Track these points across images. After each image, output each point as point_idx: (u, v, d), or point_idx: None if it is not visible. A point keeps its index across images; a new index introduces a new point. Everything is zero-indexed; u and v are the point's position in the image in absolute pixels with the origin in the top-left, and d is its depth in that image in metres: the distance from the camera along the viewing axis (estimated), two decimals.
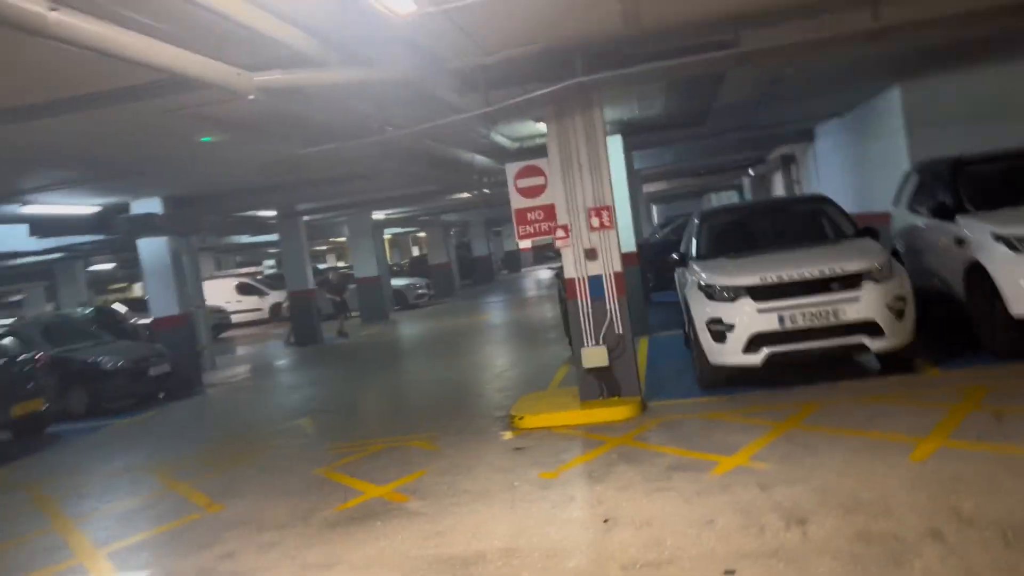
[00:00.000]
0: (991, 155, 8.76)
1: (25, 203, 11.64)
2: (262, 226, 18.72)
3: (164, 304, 13.81)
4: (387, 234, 30.33)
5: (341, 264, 30.15)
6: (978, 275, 7.46)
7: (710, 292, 7.60)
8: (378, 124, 8.12)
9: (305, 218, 19.24)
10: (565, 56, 6.83)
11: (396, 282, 26.82)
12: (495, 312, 21.83)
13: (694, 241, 8.99)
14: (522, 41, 6.46)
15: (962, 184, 8.39)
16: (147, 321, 16.72)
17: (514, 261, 44.59)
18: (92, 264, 26.81)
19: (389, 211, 24.40)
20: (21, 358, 10.64)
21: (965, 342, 7.89)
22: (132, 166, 10.15)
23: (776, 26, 6.87)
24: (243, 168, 11.22)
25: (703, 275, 7.85)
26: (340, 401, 11.19)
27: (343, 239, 29.84)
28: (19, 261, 19.58)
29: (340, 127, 8.19)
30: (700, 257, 8.58)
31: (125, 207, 13.31)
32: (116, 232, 13.01)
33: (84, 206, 12.77)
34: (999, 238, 7.25)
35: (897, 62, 10.50)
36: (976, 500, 4.31)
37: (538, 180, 7.93)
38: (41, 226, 12.62)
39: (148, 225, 12.79)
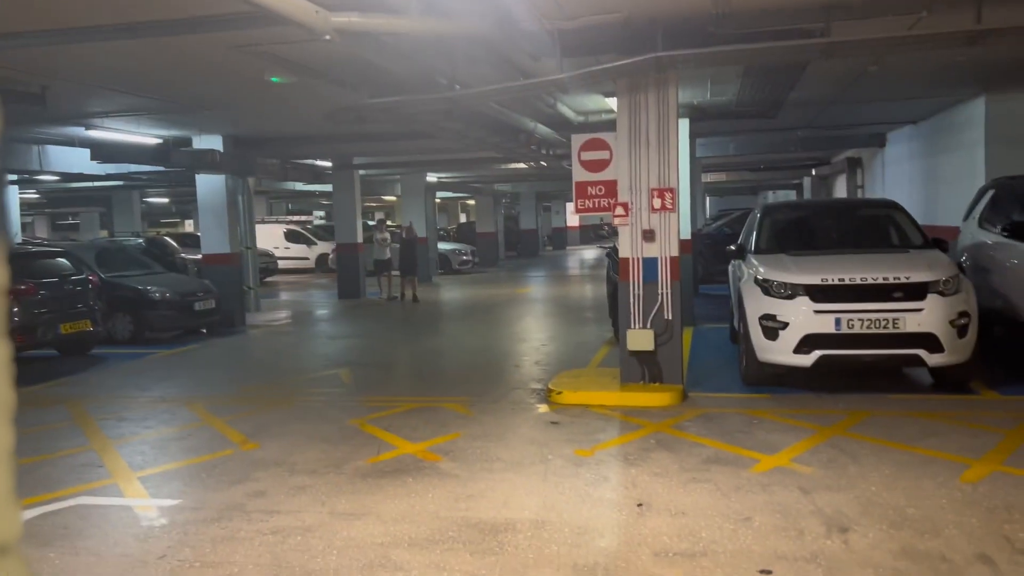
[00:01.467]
0: None
1: (90, 127, 11.78)
2: (317, 175, 18.76)
3: (215, 241, 13.96)
4: (437, 197, 30.28)
5: (389, 222, 30.21)
6: None
7: (767, 287, 7.40)
8: (447, 80, 8.01)
9: (360, 172, 19.26)
10: (646, 28, 6.64)
11: (442, 246, 26.83)
12: (538, 286, 21.73)
13: (754, 234, 8.76)
14: (605, 9, 6.28)
15: None
16: (196, 257, 16.93)
17: (560, 238, 44.33)
18: (148, 196, 27.26)
19: (442, 174, 24.34)
20: (73, 279, 10.84)
21: None
22: (197, 100, 10.19)
23: (870, 19, 6.60)
24: (307, 114, 11.20)
25: (761, 269, 7.65)
26: (378, 356, 11.21)
27: (392, 198, 29.91)
28: (79, 184, 19.99)
29: (408, 80, 8.08)
30: (759, 251, 8.36)
31: (187, 142, 13.42)
32: (176, 165, 13.13)
33: (147, 136, 12.90)
34: None
35: (987, 71, 10.06)
36: None
37: (603, 154, 7.76)
38: (103, 151, 12.76)
39: (207, 161, 12.87)
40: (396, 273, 18.18)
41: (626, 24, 6.51)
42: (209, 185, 13.78)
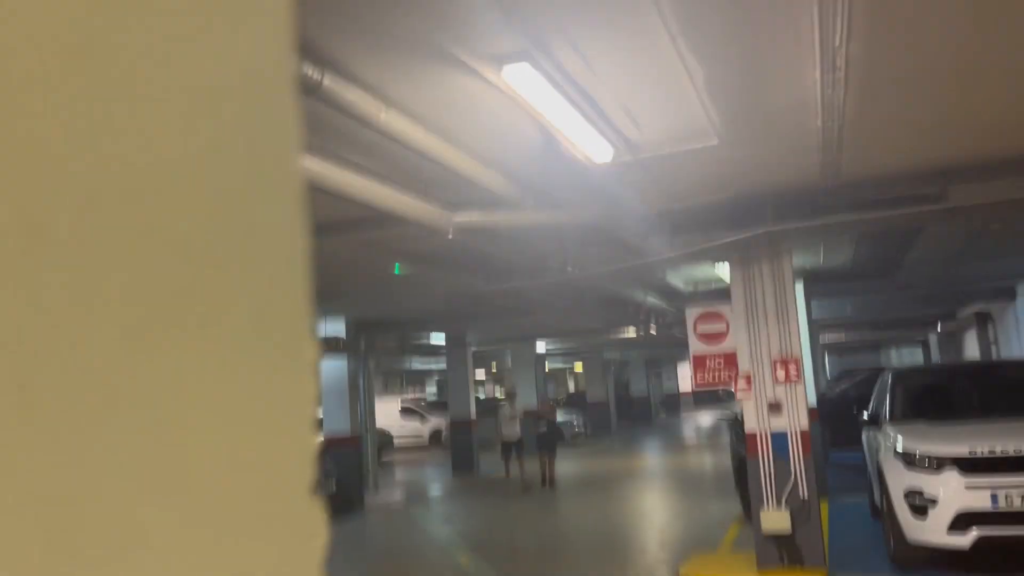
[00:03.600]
0: None
1: None
2: (430, 352, 19.30)
3: (337, 423, 14.33)
4: (547, 367, 30.46)
5: (499, 395, 30.37)
6: None
7: (909, 459, 6.94)
8: (558, 263, 8.27)
9: (472, 348, 19.71)
10: (754, 204, 6.74)
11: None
12: (655, 457, 21.05)
13: (887, 401, 8.34)
14: (712, 190, 6.44)
15: None
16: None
17: (673, 404, 43.31)
18: None
19: (551, 345, 24.59)
20: None
21: None
22: (326, 291, 10.84)
23: (985, 182, 6.50)
24: (425, 297, 11.71)
25: (900, 439, 7.20)
26: (498, 539, 10.95)
27: (494, 368, 30.20)
28: None
29: (521, 264, 8.41)
30: (895, 419, 7.92)
31: None
32: None
33: None
34: None
35: None
36: None
37: (719, 326, 7.71)
38: None
39: (332, 347, 13.50)
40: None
41: (734, 201, 6.64)
42: (331, 368, 14.36)
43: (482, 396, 29.07)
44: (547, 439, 15.30)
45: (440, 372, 24.06)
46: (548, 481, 15.07)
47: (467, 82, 3.82)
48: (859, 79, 4.12)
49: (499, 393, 32.70)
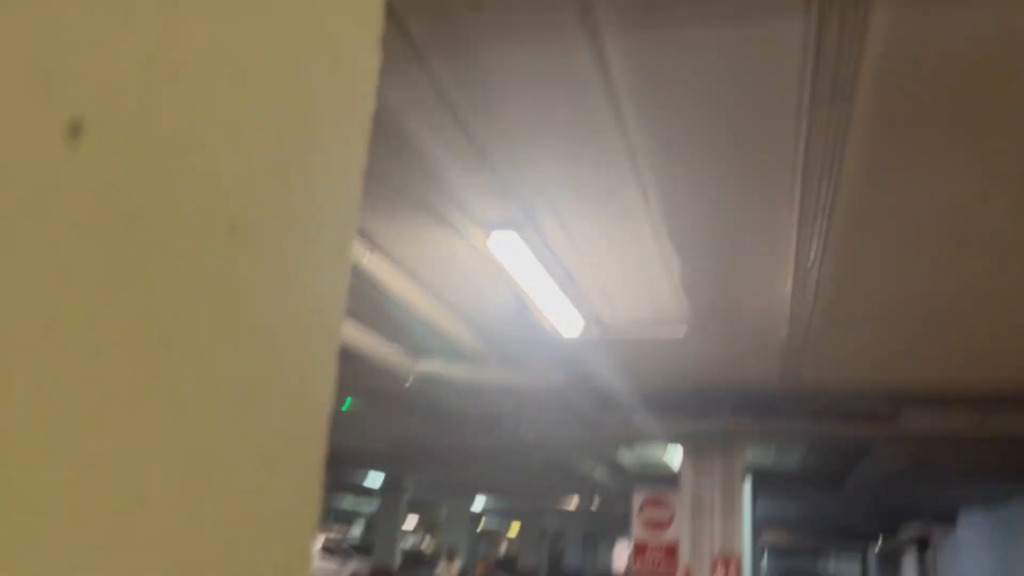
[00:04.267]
0: None
1: None
2: (363, 492, 18.62)
3: None
4: (480, 526, 29.45)
5: (421, 543, 29.03)
6: None
7: None
8: (512, 423, 8.16)
9: (406, 496, 19.08)
10: (714, 397, 6.79)
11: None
12: None
13: None
14: (674, 378, 6.49)
15: None
16: None
17: None
18: None
19: (488, 501, 23.89)
20: None
21: None
22: None
23: (937, 411, 6.62)
24: (370, 437, 11.40)
25: None
26: None
27: (424, 520, 29.10)
28: None
29: (474, 417, 8.28)
30: None
31: None
32: None
33: None
34: None
35: None
36: None
37: (664, 514, 7.54)
38: None
39: None
40: None
41: (695, 392, 6.68)
42: None
43: (407, 546, 27.83)
44: None
45: (370, 515, 23.09)
46: None
47: (452, 241, 3.88)
48: (828, 299, 4.26)
49: (426, 546, 31.30)
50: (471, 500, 22.28)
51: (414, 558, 22.00)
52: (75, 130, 0.34)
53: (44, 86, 0.33)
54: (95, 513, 0.36)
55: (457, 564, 13.79)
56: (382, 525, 18.86)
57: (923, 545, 18.41)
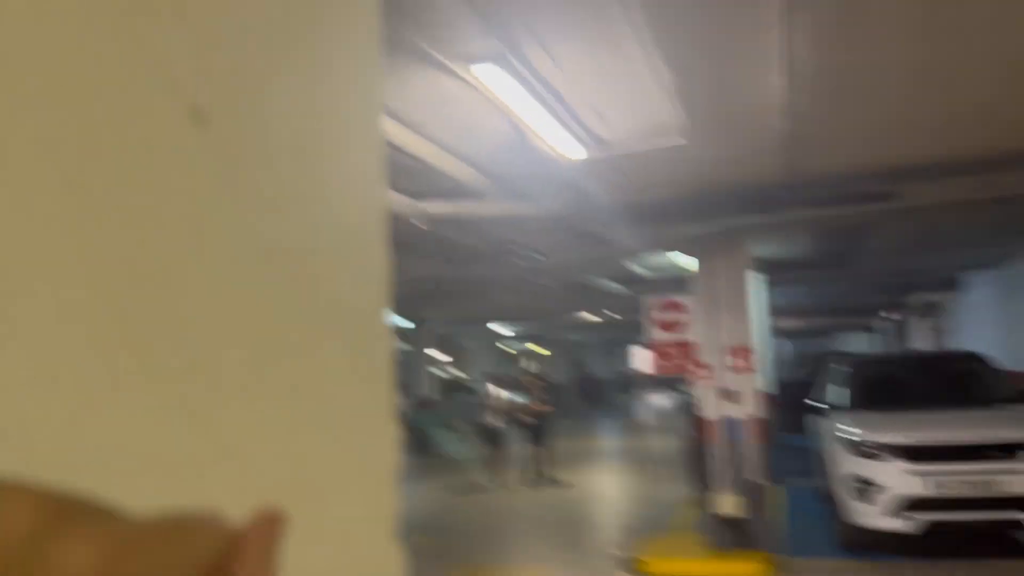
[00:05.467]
0: None
1: None
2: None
3: None
4: (506, 348, 30.66)
5: (456, 372, 30.34)
6: None
7: (856, 447, 7.22)
8: (523, 250, 8.38)
9: (431, 327, 19.82)
10: (717, 197, 6.91)
11: (506, 394, 26.86)
12: (610, 438, 21.39)
13: (834, 389, 8.63)
14: (679, 185, 6.59)
15: None
16: None
17: (631, 385, 43.89)
18: None
19: (511, 327, 24.79)
20: None
21: None
22: None
23: (933, 181, 6.74)
24: (395, 282, 11.72)
25: (848, 428, 7.48)
26: (447, 518, 11.09)
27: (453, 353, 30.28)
28: None
29: (487, 250, 8.50)
30: (842, 407, 8.21)
31: None
32: None
33: None
34: None
35: None
36: None
37: (679, 315, 7.90)
38: None
39: None
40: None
41: (698, 195, 6.80)
42: None
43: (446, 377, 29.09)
44: (538, 428, 12.93)
45: (401, 356, 24.16)
46: (548, 476, 12.69)
47: (439, 78, 3.88)
48: (817, 84, 4.27)
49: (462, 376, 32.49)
50: (495, 329, 23.11)
51: (454, 387, 23.09)
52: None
53: None
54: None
55: (503, 390, 13.79)
56: (414, 362, 19.71)
57: (930, 311, 19.11)
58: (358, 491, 0.62)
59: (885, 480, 6.90)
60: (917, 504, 6.79)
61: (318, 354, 0.58)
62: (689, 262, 8.14)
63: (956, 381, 8.57)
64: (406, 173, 5.29)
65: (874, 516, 6.97)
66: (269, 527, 0.36)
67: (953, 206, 6.82)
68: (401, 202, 5.19)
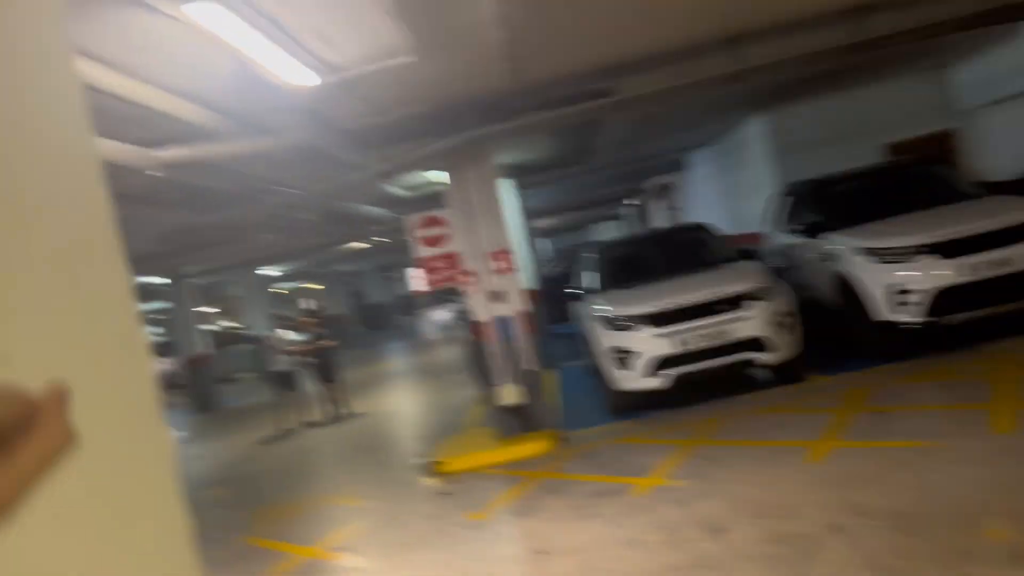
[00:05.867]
0: (846, 175, 9.67)
1: None
2: (150, 294, 18.16)
3: None
4: (278, 288, 29.81)
5: (228, 323, 29.12)
6: (846, 285, 8.19)
7: (610, 323, 8.02)
8: (276, 186, 8.21)
9: (193, 281, 18.80)
10: (456, 112, 7.17)
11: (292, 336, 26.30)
12: (397, 359, 21.81)
13: (588, 275, 9.45)
14: (416, 101, 6.75)
15: (824, 203, 9.21)
16: None
17: (411, 305, 44.46)
18: None
19: (278, 268, 24.10)
20: None
21: (845, 348, 8.58)
22: None
23: (648, 73, 7.42)
24: (138, 239, 10.98)
25: (602, 307, 8.27)
26: (255, 465, 10.98)
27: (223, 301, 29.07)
28: None
29: (236, 192, 8.23)
30: (596, 290, 9.01)
31: None
32: None
33: None
34: (860, 250, 8.00)
35: (757, 95, 11.38)
36: (868, 493, 4.79)
37: (440, 230, 8.18)
38: None
39: None
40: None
41: (437, 111, 7.01)
42: None
43: (219, 329, 27.79)
44: (324, 364, 12.83)
45: (164, 311, 22.60)
46: (342, 413, 12.65)
47: (152, 20, 3.71)
48: None
49: (236, 325, 31.14)
50: (264, 273, 22.33)
51: (229, 338, 22.17)
52: None
53: None
54: None
55: (286, 332, 13.34)
56: (179, 319, 18.69)
57: (665, 192, 21.05)
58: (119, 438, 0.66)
59: (639, 346, 7.77)
60: (668, 362, 7.72)
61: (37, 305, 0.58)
62: (441, 177, 8.41)
63: (687, 250, 9.66)
64: (133, 122, 5.01)
65: (634, 380, 7.85)
66: (59, 395, 0.50)
67: (666, 93, 7.54)
68: (129, 152, 4.92)
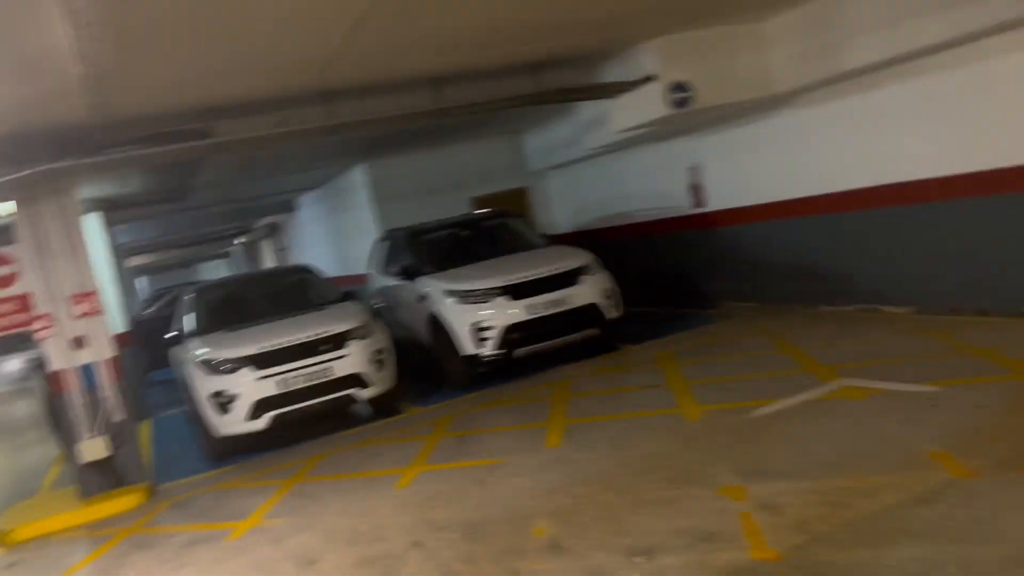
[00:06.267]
0: (436, 224, 10.69)
1: None
2: None
3: None
4: None
5: None
6: (438, 324, 9.04)
7: (211, 366, 7.85)
8: None
9: None
10: (32, 141, 6.56)
11: None
12: None
13: (188, 318, 9.13)
14: None
15: (416, 249, 10.08)
16: None
17: None
18: None
19: None
20: None
21: (436, 381, 9.41)
22: None
23: (246, 118, 7.51)
24: None
25: (202, 350, 8.06)
26: None
27: None
28: None
29: None
30: (196, 333, 8.75)
31: None
32: None
33: None
34: (448, 293, 8.92)
35: (358, 145, 12.02)
36: (446, 509, 5.39)
37: (7, 268, 7.31)
38: None
39: None
40: None
41: (10, 138, 6.35)
42: None
43: None
44: None
45: None
46: None
47: None
48: (106, 33, 4.44)
49: None
50: None
51: None
52: None
53: None
54: None
55: None
56: None
57: (274, 231, 20.97)
58: None
59: (239, 389, 7.72)
60: (270, 403, 7.78)
61: None
62: (8, 208, 7.55)
63: (291, 292, 9.83)
64: None
65: (234, 424, 7.76)
66: None
67: (265, 140, 7.68)
68: None
